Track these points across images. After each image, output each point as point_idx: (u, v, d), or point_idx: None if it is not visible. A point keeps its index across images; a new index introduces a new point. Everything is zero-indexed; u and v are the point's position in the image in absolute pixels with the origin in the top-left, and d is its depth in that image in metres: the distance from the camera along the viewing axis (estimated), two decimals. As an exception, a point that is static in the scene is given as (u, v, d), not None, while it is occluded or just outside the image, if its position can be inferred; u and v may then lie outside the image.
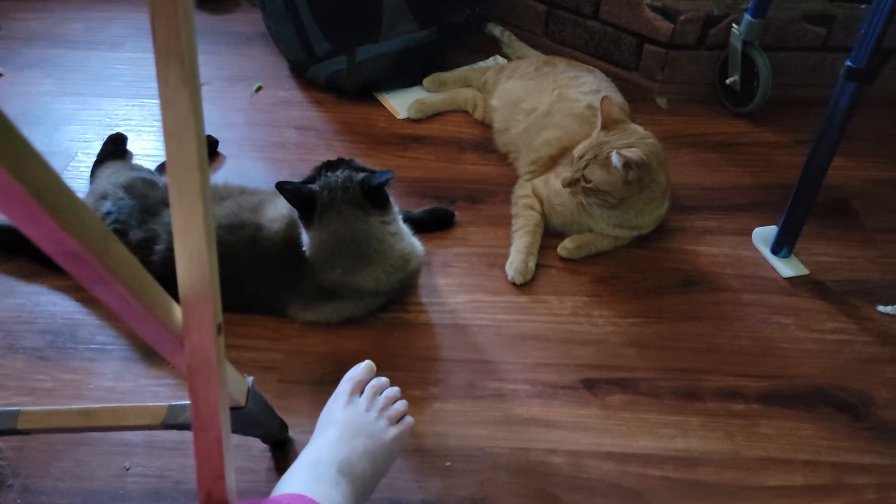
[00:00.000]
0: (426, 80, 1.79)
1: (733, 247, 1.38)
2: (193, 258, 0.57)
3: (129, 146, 1.56)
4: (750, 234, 1.39)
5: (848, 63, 1.11)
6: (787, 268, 1.32)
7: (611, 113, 1.28)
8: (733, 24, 1.65)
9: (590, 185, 1.26)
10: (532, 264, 1.30)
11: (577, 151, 1.29)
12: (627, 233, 1.35)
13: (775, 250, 1.34)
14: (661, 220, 1.37)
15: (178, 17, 0.50)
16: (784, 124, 1.70)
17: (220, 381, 0.61)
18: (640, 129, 1.31)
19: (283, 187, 1.10)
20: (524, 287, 1.29)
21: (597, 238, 1.35)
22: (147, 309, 0.52)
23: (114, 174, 1.32)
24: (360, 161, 1.19)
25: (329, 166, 1.16)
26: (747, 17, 1.60)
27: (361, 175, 1.13)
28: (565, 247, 1.34)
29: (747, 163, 1.60)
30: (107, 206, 1.21)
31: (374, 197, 1.13)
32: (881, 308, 1.26)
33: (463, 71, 1.81)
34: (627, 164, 1.20)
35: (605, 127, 1.28)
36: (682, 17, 1.68)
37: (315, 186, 1.12)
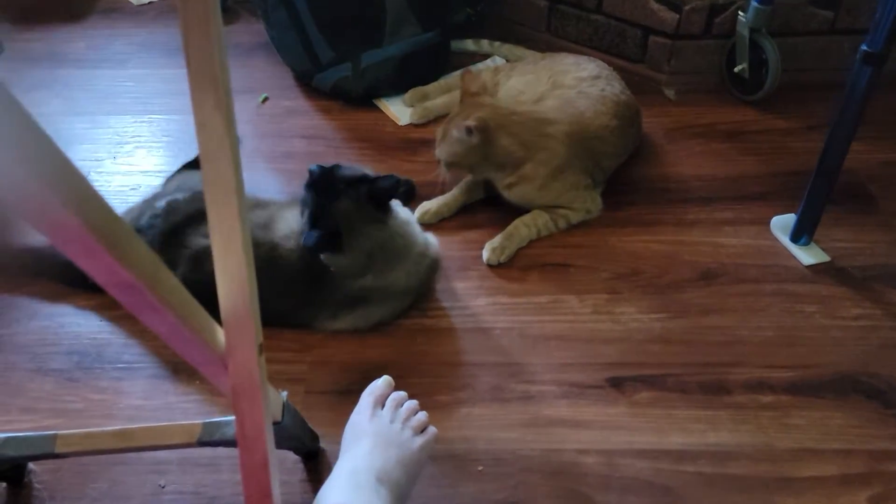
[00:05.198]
0: (407, 96, 1.75)
1: (752, 237, 1.37)
2: (234, 280, 0.57)
3: (140, 162, 1.56)
4: (768, 223, 1.39)
5: (864, 47, 1.11)
6: (807, 255, 1.32)
7: (469, 88, 1.40)
8: (739, 12, 1.64)
9: (442, 160, 1.38)
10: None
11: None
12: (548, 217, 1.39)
13: (795, 238, 1.34)
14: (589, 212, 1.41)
15: (211, 43, 0.50)
16: (793, 110, 1.69)
17: (265, 401, 0.61)
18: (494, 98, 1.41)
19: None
20: (545, 287, 1.29)
21: (516, 230, 1.37)
22: (193, 333, 0.52)
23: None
24: (348, 166, 1.21)
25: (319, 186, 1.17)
26: (754, 3, 1.59)
27: (365, 187, 1.15)
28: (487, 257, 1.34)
29: (760, 151, 1.59)
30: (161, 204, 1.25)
31: (380, 203, 1.16)
32: (904, 292, 1.26)
33: (448, 80, 1.79)
34: (469, 130, 1.30)
35: (461, 101, 1.39)
36: (687, 7, 1.68)
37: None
